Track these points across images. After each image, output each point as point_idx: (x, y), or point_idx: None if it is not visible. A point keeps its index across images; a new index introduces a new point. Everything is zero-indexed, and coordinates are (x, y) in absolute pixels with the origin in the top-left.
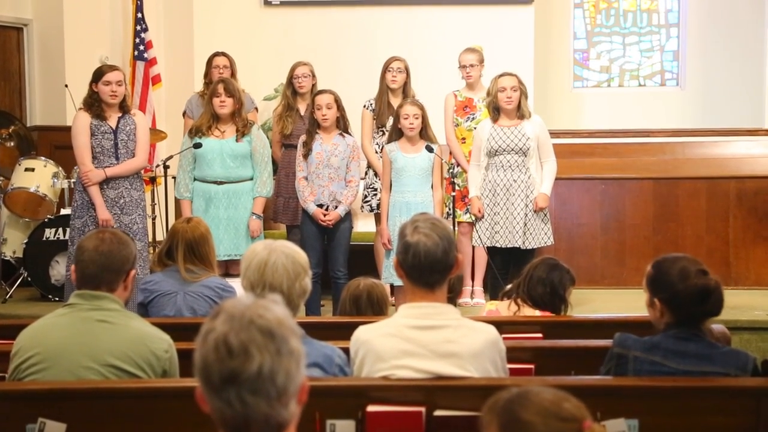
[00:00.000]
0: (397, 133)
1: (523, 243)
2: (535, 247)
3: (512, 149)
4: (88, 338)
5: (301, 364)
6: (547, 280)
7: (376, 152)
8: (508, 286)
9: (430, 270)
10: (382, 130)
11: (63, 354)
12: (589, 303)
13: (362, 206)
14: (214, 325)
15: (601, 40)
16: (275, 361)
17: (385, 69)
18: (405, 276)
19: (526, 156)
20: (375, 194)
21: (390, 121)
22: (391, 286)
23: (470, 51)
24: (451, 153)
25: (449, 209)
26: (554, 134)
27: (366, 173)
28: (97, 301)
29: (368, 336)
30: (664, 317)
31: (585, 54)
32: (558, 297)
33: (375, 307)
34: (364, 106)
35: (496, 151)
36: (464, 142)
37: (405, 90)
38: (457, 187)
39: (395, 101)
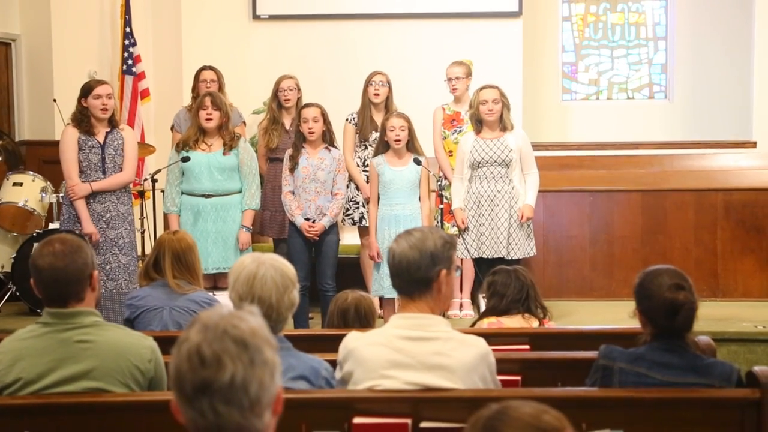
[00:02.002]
0: (383, 146)
1: (508, 253)
2: (520, 257)
3: (495, 161)
4: (70, 364)
5: (276, 374)
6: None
7: (359, 166)
8: (482, 301)
9: (398, 276)
10: (365, 144)
11: (45, 382)
12: (577, 314)
13: (344, 219)
14: (188, 336)
15: (590, 53)
16: (248, 371)
17: (368, 83)
18: None
19: (508, 167)
20: (357, 207)
21: (373, 135)
22: (380, 298)
23: (457, 64)
24: (439, 166)
25: (438, 222)
26: (543, 147)
27: (348, 186)
28: (72, 318)
29: (357, 344)
30: (647, 328)
31: (573, 67)
32: None
33: (362, 320)
34: (347, 120)
35: (479, 163)
36: (451, 155)
37: (387, 104)
38: (445, 200)
39: (378, 115)
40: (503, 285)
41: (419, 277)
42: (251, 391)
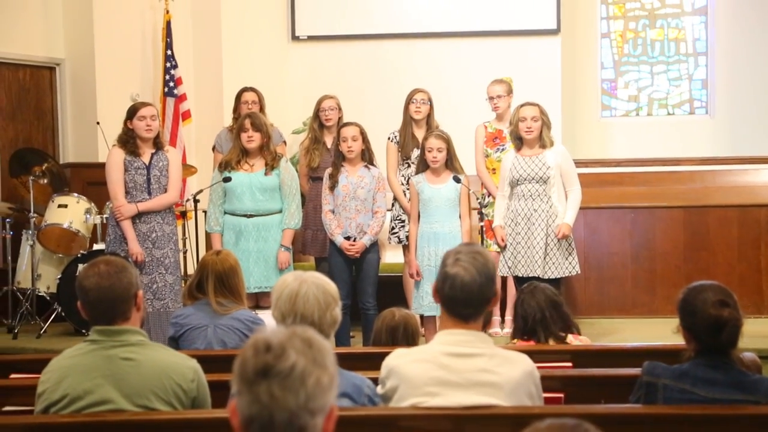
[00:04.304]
0: (423, 165)
1: (543, 272)
2: (558, 276)
3: (533, 178)
4: (116, 381)
5: (333, 386)
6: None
7: (402, 184)
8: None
9: (464, 303)
10: (408, 162)
11: (91, 399)
12: (620, 332)
13: (389, 238)
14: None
15: (629, 69)
16: (309, 365)
17: (409, 100)
18: (441, 304)
19: (546, 185)
20: (403, 226)
21: (415, 153)
22: (421, 316)
23: (497, 82)
24: (482, 184)
25: (480, 239)
26: (583, 164)
27: (393, 205)
28: (119, 336)
29: (399, 361)
30: (691, 344)
31: (613, 83)
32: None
33: (410, 338)
34: (389, 139)
35: (518, 180)
36: (494, 173)
37: (429, 121)
38: (486, 218)
39: (419, 132)
40: (523, 306)
41: (483, 299)
42: (309, 383)
